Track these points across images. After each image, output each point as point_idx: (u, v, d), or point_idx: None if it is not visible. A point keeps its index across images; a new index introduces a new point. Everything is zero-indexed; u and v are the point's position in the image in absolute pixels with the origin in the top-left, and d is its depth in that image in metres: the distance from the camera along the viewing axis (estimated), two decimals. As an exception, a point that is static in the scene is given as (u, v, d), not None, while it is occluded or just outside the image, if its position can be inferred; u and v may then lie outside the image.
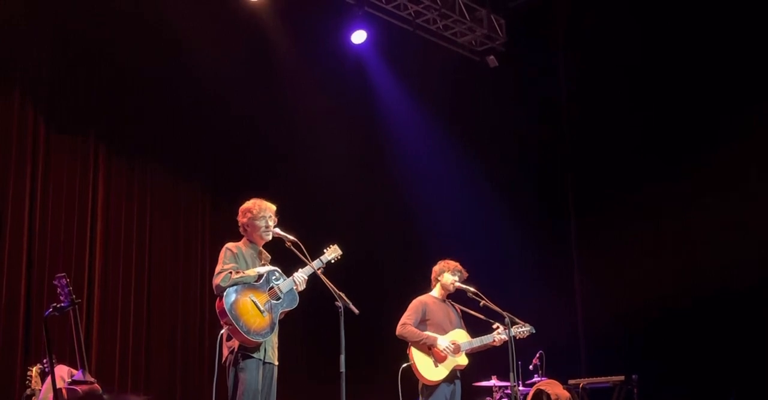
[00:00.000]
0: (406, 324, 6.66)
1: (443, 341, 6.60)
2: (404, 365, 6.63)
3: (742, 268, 8.97)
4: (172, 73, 8.78)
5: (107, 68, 8.30)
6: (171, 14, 8.51)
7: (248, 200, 5.70)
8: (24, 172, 7.53)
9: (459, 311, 6.96)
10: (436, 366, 6.58)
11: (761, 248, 8.94)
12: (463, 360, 6.69)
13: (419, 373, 6.56)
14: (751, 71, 9.40)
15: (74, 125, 8.02)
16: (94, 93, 8.23)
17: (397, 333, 6.69)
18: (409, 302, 6.86)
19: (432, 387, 6.55)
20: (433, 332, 6.65)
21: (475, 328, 6.90)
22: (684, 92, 9.89)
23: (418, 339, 6.61)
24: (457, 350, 6.63)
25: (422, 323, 6.70)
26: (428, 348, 6.61)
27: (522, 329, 6.71)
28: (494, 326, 6.81)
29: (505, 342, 6.63)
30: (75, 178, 7.91)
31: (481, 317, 6.81)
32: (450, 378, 6.61)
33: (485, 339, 6.76)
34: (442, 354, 6.59)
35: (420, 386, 6.62)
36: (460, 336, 6.75)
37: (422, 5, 10.35)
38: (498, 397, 7.64)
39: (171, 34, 8.58)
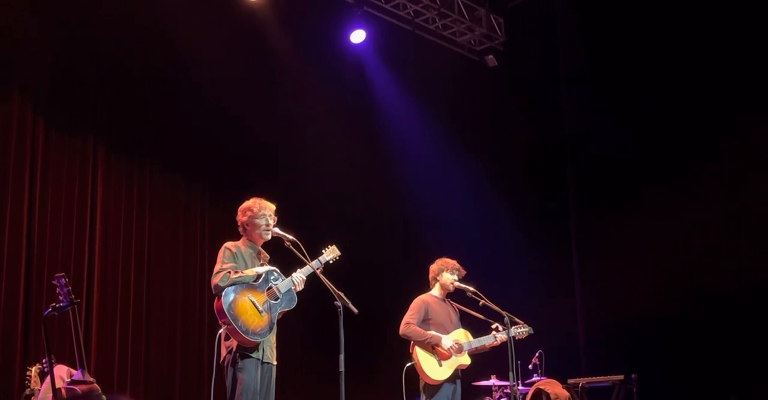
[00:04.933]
0: (409, 323, 6.59)
1: (447, 341, 6.58)
2: (408, 364, 6.60)
3: (743, 271, 8.95)
4: (171, 74, 8.79)
5: (106, 69, 8.30)
6: (170, 15, 8.50)
7: (247, 200, 5.70)
8: (23, 173, 7.53)
9: (457, 310, 6.95)
10: (440, 366, 6.56)
11: (763, 250, 8.93)
12: (465, 360, 6.69)
13: (423, 372, 6.52)
14: (753, 70, 9.36)
15: (73, 126, 8.03)
16: (93, 94, 8.23)
17: (400, 333, 6.63)
18: (409, 302, 6.83)
19: (435, 387, 6.52)
20: (435, 331, 6.63)
21: (473, 327, 6.89)
22: (684, 94, 9.84)
23: (422, 339, 6.57)
24: (460, 349, 6.62)
25: (425, 322, 6.65)
26: (432, 348, 6.59)
27: (521, 330, 6.68)
28: (493, 327, 6.80)
29: (505, 342, 6.63)
30: (74, 179, 7.92)
31: (481, 316, 6.80)
32: (453, 378, 6.59)
33: (485, 340, 6.75)
34: (446, 354, 6.58)
35: (422, 385, 6.57)
36: (462, 336, 6.74)
37: (421, 5, 10.35)
38: (497, 396, 7.65)
39: (170, 35, 8.57)
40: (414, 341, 6.61)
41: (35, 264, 7.48)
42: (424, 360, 6.54)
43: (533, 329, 6.77)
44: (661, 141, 10.08)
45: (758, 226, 9.11)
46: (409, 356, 6.66)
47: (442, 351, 6.58)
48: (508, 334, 6.46)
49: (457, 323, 6.85)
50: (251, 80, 9.41)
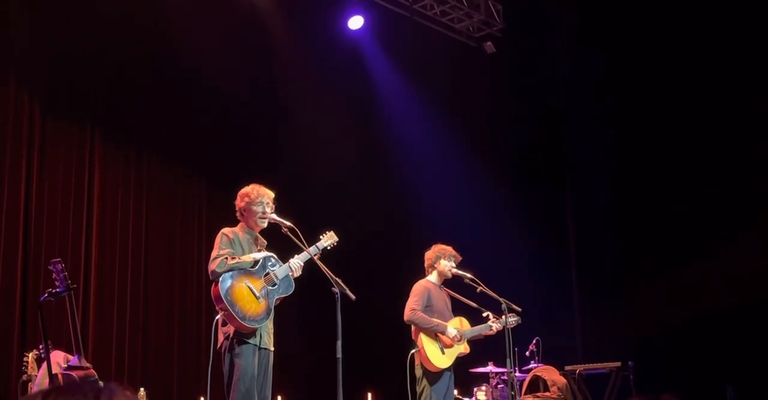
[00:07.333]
0: (415, 310, 6.53)
1: (452, 329, 6.58)
2: (413, 351, 6.59)
3: (745, 268, 8.96)
4: (168, 63, 8.77)
5: (104, 57, 8.27)
6: (167, 3, 8.46)
7: (246, 185, 5.68)
8: (20, 160, 7.52)
9: (449, 297, 6.94)
10: (443, 353, 6.55)
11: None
12: (465, 348, 6.69)
13: (427, 360, 6.48)
14: (759, 72, 9.29)
15: (70, 113, 8.01)
16: (91, 81, 8.21)
17: (406, 319, 6.58)
18: (406, 289, 6.80)
19: (437, 374, 6.51)
20: (435, 318, 6.61)
21: (463, 314, 6.89)
22: (687, 91, 9.73)
23: (428, 325, 6.52)
24: (460, 337, 6.62)
25: (426, 308, 6.60)
26: (435, 335, 6.57)
27: (510, 319, 6.64)
28: (484, 315, 6.80)
29: (499, 330, 6.65)
30: (71, 166, 7.91)
31: (473, 304, 6.80)
32: (452, 366, 6.61)
33: (482, 329, 6.76)
34: (449, 341, 6.57)
35: (420, 372, 6.55)
36: (462, 324, 6.74)
37: (419, -9, 10.31)
38: (495, 383, 7.66)
39: (167, 24, 8.54)
40: (419, 328, 6.57)
41: (32, 250, 7.48)
42: (429, 347, 6.51)
43: (521, 319, 6.75)
44: (662, 135, 10.04)
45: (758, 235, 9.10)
46: (407, 343, 6.66)
47: (445, 339, 6.57)
48: (505, 321, 6.46)
49: (451, 311, 6.85)
50: (249, 68, 9.38)
